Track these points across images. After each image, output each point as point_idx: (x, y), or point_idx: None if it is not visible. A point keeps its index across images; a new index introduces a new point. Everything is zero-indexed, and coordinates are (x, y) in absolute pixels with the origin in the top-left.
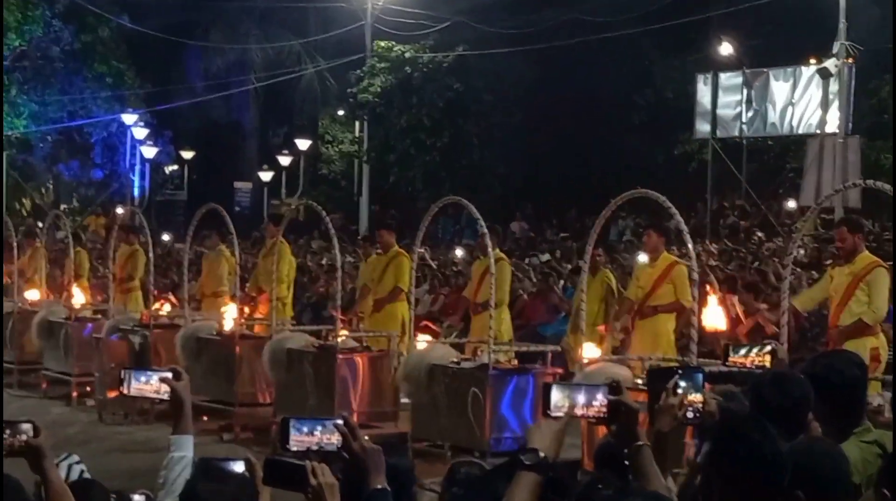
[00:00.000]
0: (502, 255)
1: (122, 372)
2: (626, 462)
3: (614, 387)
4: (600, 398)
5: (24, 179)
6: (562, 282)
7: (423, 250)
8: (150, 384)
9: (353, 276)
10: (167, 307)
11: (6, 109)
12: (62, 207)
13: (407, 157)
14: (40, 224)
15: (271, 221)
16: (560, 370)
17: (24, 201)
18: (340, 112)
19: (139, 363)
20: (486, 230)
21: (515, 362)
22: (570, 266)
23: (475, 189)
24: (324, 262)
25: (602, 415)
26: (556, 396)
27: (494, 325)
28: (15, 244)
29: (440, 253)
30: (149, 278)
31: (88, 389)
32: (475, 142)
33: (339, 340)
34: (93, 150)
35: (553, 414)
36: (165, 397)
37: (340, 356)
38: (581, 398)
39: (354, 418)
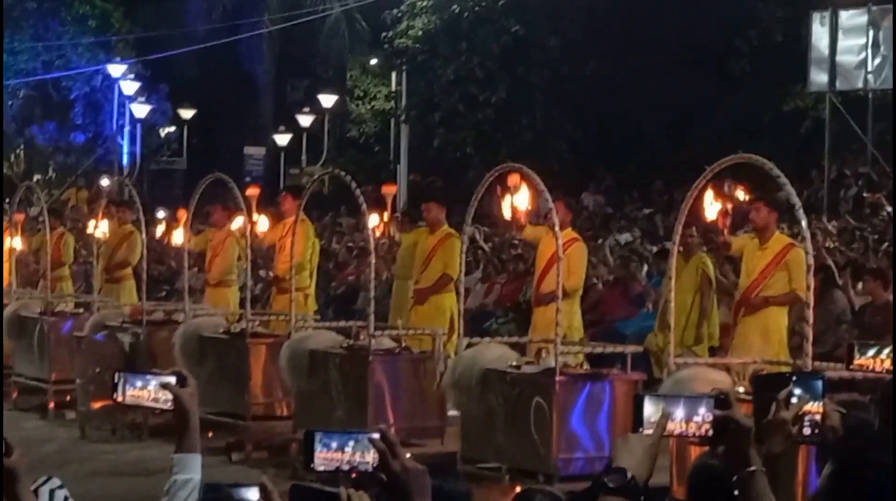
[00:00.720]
0: (574, 234)
1: (117, 375)
2: (735, 492)
3: (722, 400)
4: (704, 413)
5: None
6: (645, 268)
7: (474, 230)
8: (148, 391)
9: (388, 261)
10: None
11: None
12: (35, 177)
13: (455, 115)
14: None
15: (289, 193)
16: (643, 376)
17: None
18: (373, 61)
19: (131, 368)
20: (552, 205)
21: (587, 366)
22: (655, 249)
23: (539, 155)
24: (352, 244)
25: (706, 434)
26: (650, 409)
27: (563, 320)
28: None
29: (495, 233)
30: (142, 265)
31: (68, 399)
32: (538, 97)
33: (373, 339)
34: (73, 108)
35: (645, 431)
36: (167, 407)
37: (374, 359)
38: (680, 413)
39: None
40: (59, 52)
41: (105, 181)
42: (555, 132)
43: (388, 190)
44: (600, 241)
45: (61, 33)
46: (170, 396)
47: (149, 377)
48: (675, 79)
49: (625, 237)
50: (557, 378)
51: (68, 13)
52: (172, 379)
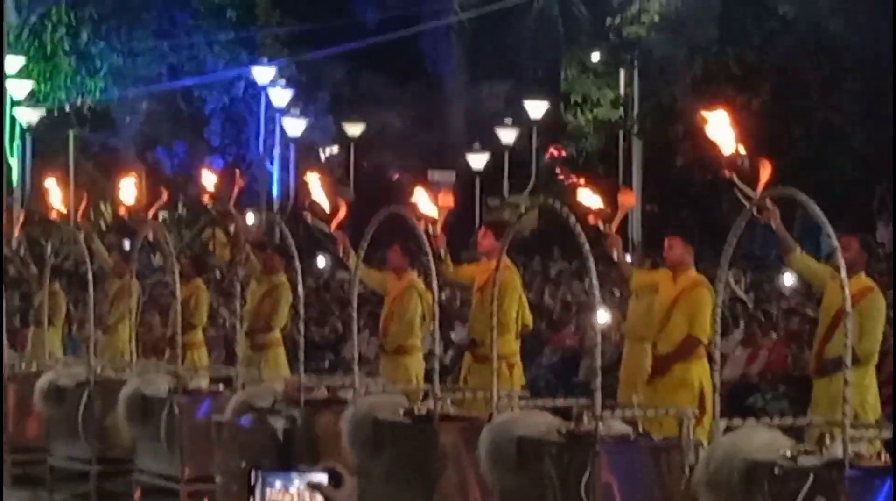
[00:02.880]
0: (868, 282)
1: (253, 474)
2: None
3: None
4: None
5: (103, 171)
6: None
7: (732, 275)
8: (291, 495)
9: (618, 317)
10: None
11: (75, 65)
12: (161, 215)
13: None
14: (128, 243)
15: (489, 230)
16: None
17: (103, 206)
18: (596, 57)
19: (284, 461)
20: (836, 243)
21: (887, 456)
22: None
23: (815, 174)
24: (571, 297)
25: None
26: None
27: (853, 396)
28: (91, 277)
29: (761, 278)
30: (295, 326)
31: None
32: (814, 98)
33: (600, 422)
34: (208, 125)
35: None
36: None
37: (603, 449)
38: None
39: None
40: (189, 54)
41: (250, 218)
42: (837, 144)
43: (626, 199)
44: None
45: (192, 29)
46: (321, 499)
47: (293, 475)
48: None
49: None
50: (847, 473)
51: (201, 2)
52: (324, 477)
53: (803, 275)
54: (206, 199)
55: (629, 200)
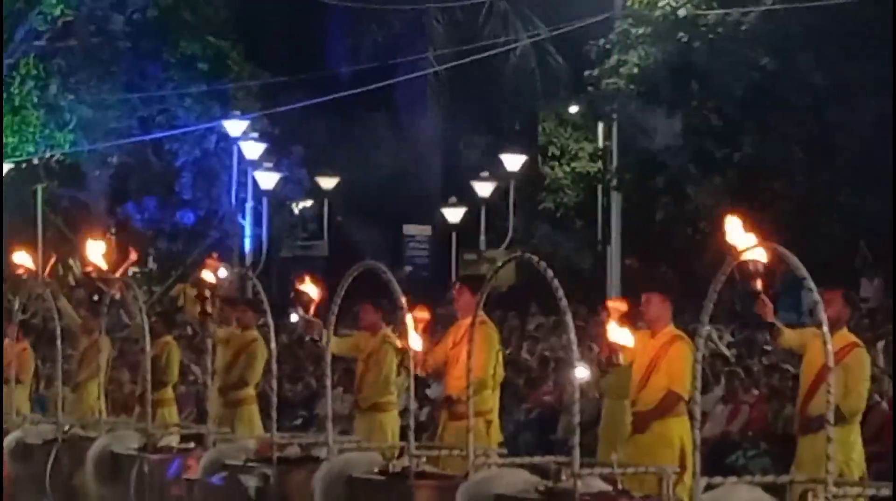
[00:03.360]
0: (852, 338)
1: None
2: None
3: None
4: None
5: (72, 226)
6: None
7: (713, 331)
8: None
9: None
10: None
11: (44, 117)
12: (131, 271)
13: (684, 180)
14: (96, 298)
15: (465, 286)
16: None
17: (71, 261)
18: (573, 109)
19: None
20: (817, 297)
21: None
22: None
23: (799, 230)
24: (549, 353)
25: None
26: None
27: (837, 453)
28: (59, 333)
29: (742, 335)
30: (267, 382)
31: None
32: (799, 154)
33: (579, 480)
34: (179, 179)
35: None
36: None
37: None
38: None
39: None
40: (160, 107)
41: (222, 273)
42: (821, 201)
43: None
44: (881, 344)
45: (163, 81)
46: None
47: None
48: None
49: None
50: None
51: (172, 54)
52: None
53: (795, 350)
54: (88, 269)
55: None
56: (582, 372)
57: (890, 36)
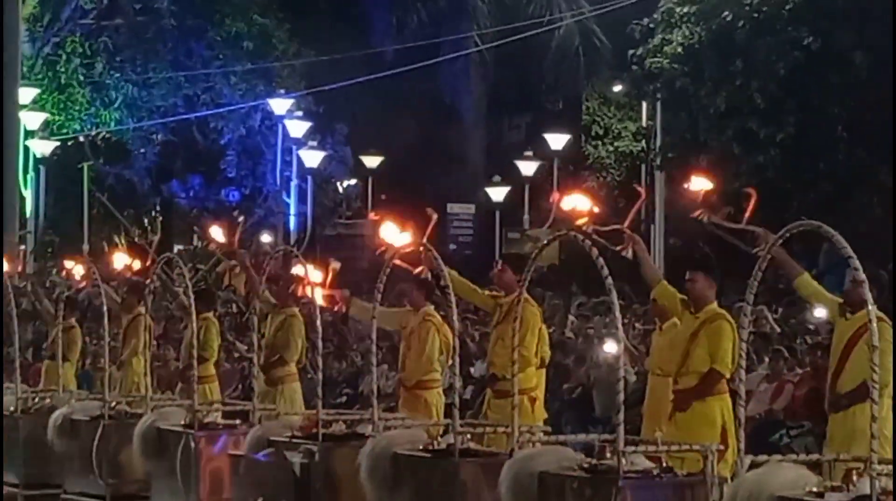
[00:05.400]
0: (879, 315)
1: None
2: None
3: None
4: None
5: (118, 204)
6: None
7: (759, 310)
8: None
9: (642, 352)
10: None
11: (90, 96)
12: (175, 248)
13: (727, 159)
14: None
15: (507, 264)
16: None
17: (117, 238)
18: (617, 88)
19: (301, 497)
20: (862, 275)
21: None
22: None
23: (841, 210)
24: (592, 331)
25: None
26: None
27: (877, 428)
28: (105, 310)
29: (790, 314)
30: (312, 359)
31: None
32: (841, 132)
33: (623, 458)
34: (224, 157)
35: None
36: None
37: (626, 484)
38: None
39: None
40: (205, 84)
41: (266, 238)
42: (863, 181)
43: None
44: None
45: (209, 59)
46: None
47: None
48: None
49: None
50: None
51: (217, 32)
52: None
53: (810, 298)
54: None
55: (643, 195)
56: (611, 348)
57: (890, 35)
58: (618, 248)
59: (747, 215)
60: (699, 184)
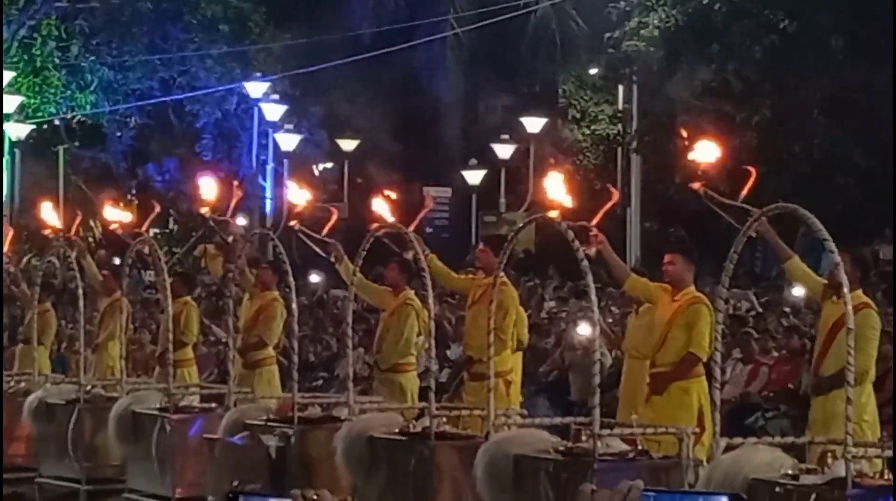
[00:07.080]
0: (864, 298)
1: (231, 497)
2: None
3: None
4: None
5: (94, 187)
6: None
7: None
8: None
9: (618, 334)
10: None
11: (65, 79)
12: (151, 231)
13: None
14: (117, 260)
15: (487, 246)
16: None
17: (91, 223)
18: (593, 71)
19: (277, 480)
20: (838, 258)
21: (889, 475)
22: None
23: (816, 192)
24: (565, 315)
25: None
26: None
27: (854, 412)
28: (81, 294)
29: (766, 297)
30: (289, 342)
31: None
32: (817, 117)
33: (599, 440)
34: (199, 140)
35: None
36: None
37: (601, 467)
38: None
39: None
40: (181, 68)
41: (241, 221)
42: (838, 163)
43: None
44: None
45: (184, 43)
46: None
47: (271, 499)
48: None
49: None
50: (850, 491)
51: (193, 16)
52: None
53: (800, 281)
54: (203, 208)
55: (615, 196)
56: (587, 331)
57: (890, 36)
58: (581, 248)
59: (744, 192)
60: (703, 152)
